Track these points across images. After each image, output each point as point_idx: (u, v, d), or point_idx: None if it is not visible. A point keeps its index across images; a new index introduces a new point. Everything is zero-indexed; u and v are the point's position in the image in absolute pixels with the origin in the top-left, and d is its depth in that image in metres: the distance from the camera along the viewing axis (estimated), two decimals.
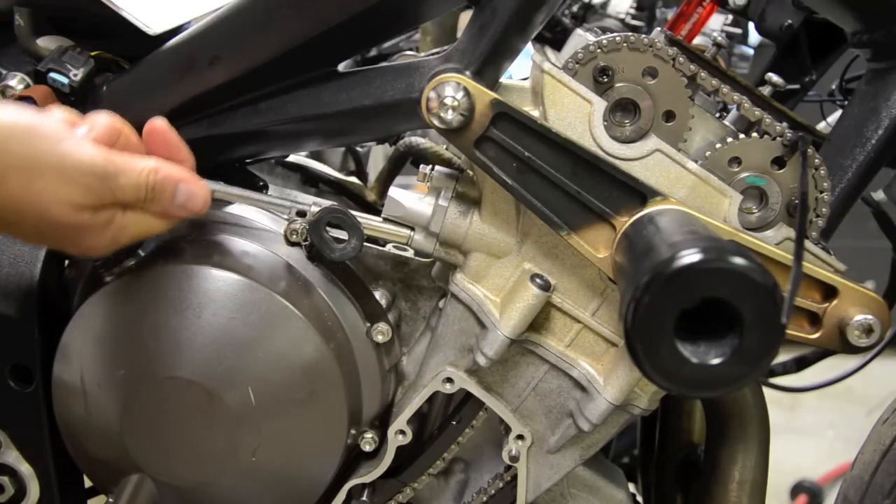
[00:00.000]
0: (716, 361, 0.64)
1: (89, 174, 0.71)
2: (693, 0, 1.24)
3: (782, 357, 1.43)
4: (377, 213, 1.14)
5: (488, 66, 0.82)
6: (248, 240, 0.90)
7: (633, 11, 1.78)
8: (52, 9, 0.93)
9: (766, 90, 0.86)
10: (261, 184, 0.97)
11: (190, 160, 0.80)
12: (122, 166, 0.73)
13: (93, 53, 0.90)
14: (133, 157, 0.75)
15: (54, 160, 0.70)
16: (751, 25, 1.37)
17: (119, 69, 0.93)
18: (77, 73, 0.89)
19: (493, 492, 0.96)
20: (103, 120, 0.76)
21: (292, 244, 0.89)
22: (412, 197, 0.87)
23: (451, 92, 0.76)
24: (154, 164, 0.76)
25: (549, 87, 0.79)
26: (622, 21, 1.75)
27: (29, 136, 0.70)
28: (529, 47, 0.88)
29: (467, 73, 0.80)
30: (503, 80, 0.85)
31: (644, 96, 0.79)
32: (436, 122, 0.77)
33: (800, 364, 1.42)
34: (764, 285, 0.62)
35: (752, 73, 1.60)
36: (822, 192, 0.80)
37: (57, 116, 0.74)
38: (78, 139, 0.72)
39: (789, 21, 1.09)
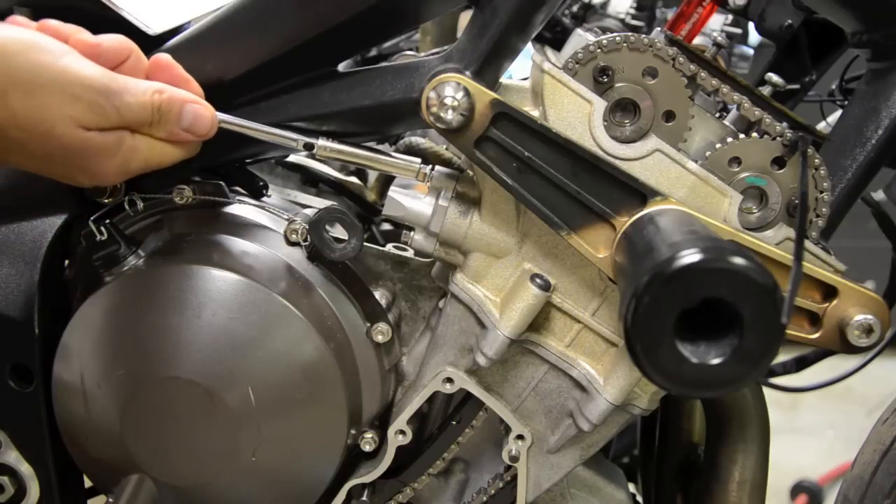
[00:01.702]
0: (716, 361, 0.64)
1: (92, 90, 0.70)
2: (693, 0, 1.24)
3: (782, 357, 1.43)
4: (377, 213, 1.14)
5: (488, 66, 0.82)
6: (248, 240, 0.90)
7: (633, 11, 1.78)
8: (53, 9, 0.93)
9: (766, 90, 0.86)
10: (261, 184, 0.98)
11: (199, 92, 0.80)
12: (125, 84, 0.73)
13: None
14: (137, 79, 0.75)
15: (56, 74, 0.69)
16: (751, 25, 1.37)
17: None
18: None
19: (493, 492, 0.96)
20: (115, 37, 0.76)
21: (292, 244, 0.89)
22: (412, 197, 0.87)
23: (451, 92, 0.76)
24: (159, 85, 0.75)
25: (549, 87, 0.79)
26: (622, 21, 1.76)
27: (30, 50, 0.69)
28: (529, 47, 0.88)
29: (467, 73, 0.80)
30: (503, 80, 0.85)
31: (644, 96, 0.79)
32: (436, 122, 0.77)
33: (800, 364, 1.42)
34: (764, 285, 0.62)
35: (752, 73, 1.60)
36: (822, 192, 0.80)
37: (71, 30, 0.74)
38: (79, 56, 0.72)
39: (789, 21, 1.09)
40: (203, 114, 0.78)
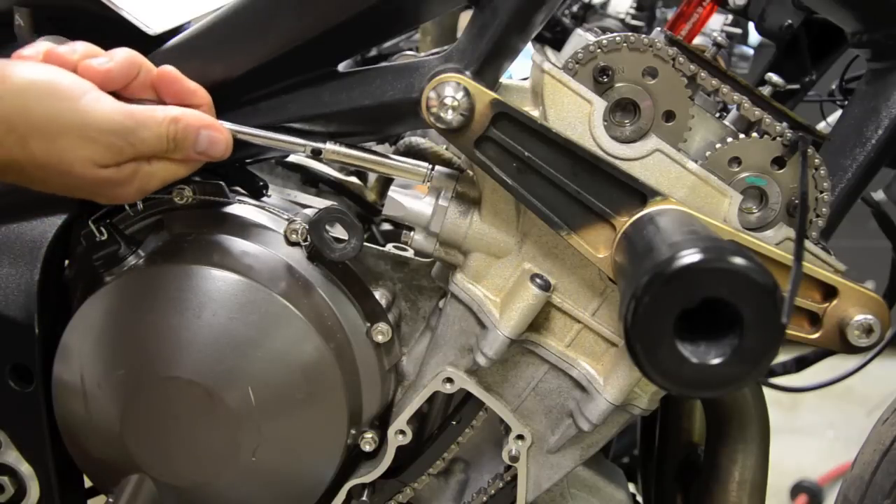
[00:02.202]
0: (716, 361, 0.64)
1: (109, 132, 0.72)
2: (693, 0, 1.24)
3: (782, 357, 1.43)
4: (377, 212, 1.14)
5: (488, 66, 0.82)
6: (248, 240, 0.90)
7: (633, 11, 1.78)
8: (52, 9, 0.93)
9: (766, 90, 0.86)
10: (261, 184, 0.97)
11: (206, 101, 0.81)
12: (141, 119, 0.74)
13: None
14: (153, 107, 0.76)
15: (75, 120, 0.70)
16: (751, 25, 1.37)
17: None
18: None
19: (493, 492, 0.96)
20: (123, 53, 0.76)
21: (292, 244, 0.89)
22: (412, 197, 0.87)
23: (451, 92, 0.76)
24: (174, 114, 0.76)
25: (549, 87, 0.79)
26: (622, 21, 1.75)
27: (48, 96, 0.70)
28: (529, 47, 0.88)
29: (467, 73, 0.80)
30: (503, 80, 0.85)
31: (644, 96, 0.79)
32: (436, 122, 0.77)
33: (800, 364, 1.41)
34: (764, 285, 0.62)
35: (752, 73, 1.60)
36: (822, 192, 0.80)
37: (80, 51, 0.75)
38: (97, 95, 0.73)
39: (789, 21, 1.09)
40: (218, 139, 0.79)
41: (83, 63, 0.75)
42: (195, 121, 0.77)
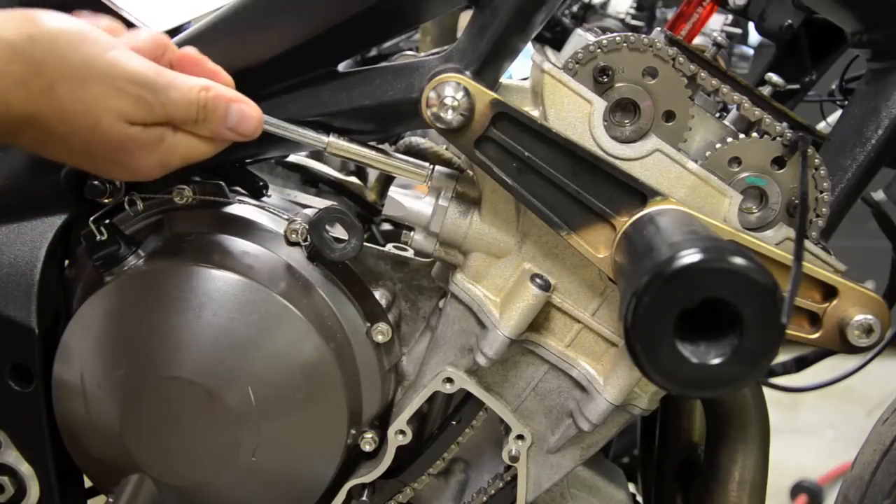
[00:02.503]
0: (716, 361, 0.64)
1: (139, 84, 0.69)
2: (693, 0, 1.24)
3: (782, 357, 1.43)
4: (377, 213, 1.14)
5: (488, 66, 0.82)
6: (248, 240, 0.90)
7: (633, 11, 1.78)
8: (53, 9, 0.93)
9: (766, 90, 0.86)
10: (261, 184, 0.97)
11: (229, 83, 0.78)
12: (172, 80, 0.72)
13: None
14: (183, 74, 0.74)
15: (104, 67, 0.68)
16: (751, 25, 1.37)
17: None
18: None
19: (493, 492, 0.96)
20: (149, 31, 0.75)
21: (292, 244, 0.89)
22: (412, 197, 0.87)
23: (451, 92, 0.76)
24: (206, 82, 0.74)
25: (549, 87, 0.79)
26: (622, 21, 1.75)
27: (79, 42, 0.68)
28: (529, 47, 0.88)
29: (467, 73, 0.80)
30: (503, 80, 0.85)
31: (644, 96, 0.79)
32: (436, 122, 0.77)
33: (800, 364, 1.41)
34: (764, 285, 0.62)
35: (752, 73, 1.60)
36: (822, 192, 0.80)
37: (104, 24, 0.73)
38: (127, 50, 0.71)
39: (789, 21, 1.09)
40: (249, 114, 0.76)
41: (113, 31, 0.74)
42: (226, 92, 0.75)
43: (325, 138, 0.84)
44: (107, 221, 0.88)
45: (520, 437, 0.90)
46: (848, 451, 1.18)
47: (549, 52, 0.86)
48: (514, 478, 0.92)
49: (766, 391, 1.06)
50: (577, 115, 0.79)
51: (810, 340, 0.78)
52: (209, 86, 0.74)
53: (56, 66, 0.67)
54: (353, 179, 1.17)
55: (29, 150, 0.73)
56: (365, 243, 0.89)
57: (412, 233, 0.88)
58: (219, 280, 0.85)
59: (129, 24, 0.87)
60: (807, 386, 1.50)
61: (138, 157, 0.73)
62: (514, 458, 0.91)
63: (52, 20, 0.68)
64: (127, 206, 0.91)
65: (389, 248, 0.96)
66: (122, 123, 0.70)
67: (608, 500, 1.02)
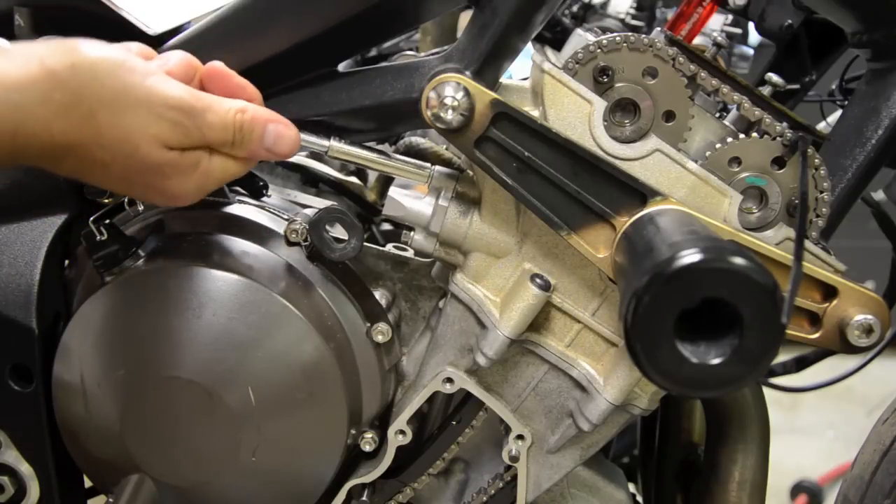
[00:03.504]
0: (716, 361, 0.64)
1: (177, 109, 0.70)
2: (693, 0, 1.24)
3: (782, 357, 1.43)
4: (377, 212, 1.14)
5: (488, 66, 0.82)
6: (248, 240, 0.90)
7: (633, 11, 1.77)
8: (53, 9, 0.93)
9: (766, 90, 0.86)
10: (261, 184, 0.98)
11: (257, 97, 0.78)
12: (208, 103, 0.73)
13: None
14: (219, 97, 0.74)
15: (143, 94, 0.69)
16: (751, 25, 1.37)
17: None
18: None
19: (493, 492, 0.96)
20: (179, 55, 0.75)
21: (292, 244, 0.89)
22: (412, 197, 0.87)
23: (451, 92, 0.76)
24: (242, 104, 0.75)
25: (549, 87, 0.79)
26: (622, 21, 1.75)
27: (119, 69, 0.69)
28: (529, 47, 0.88)
29: (467, 73, 0.80)
30: (503, 80, 0.85)
31: (644, 96, 0.79)
32: (436, 122, 0.77)
33: (800, 364, 1.42)
34: (764, 285, 0.62)
35: (752, 73, 1.60)
36: (822, 192, 0.80)
37: (135, 49, 0.74)
38: (164, 76, 0.72)
39: (789, 21, 1.09)
40: (286, 133, 0.76)
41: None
42: (263, 113, 0.76)
43: (326, 142, 0.84)
44: (107, 221, 0.88)
45: (520, 437, 0.90)
46: (848, 451, 1.18)
47: (549, 52, 0.86)
48: (514, 478, 0.92)
49: (766, 391, 1.06)
50: (577, 115, 0.79)
51: (810, 340, 0.78)
52: (245, 108, 0.75)
53: (97, 94, 0.68)
54: (353, 179, 1.17)
55: (70, 178, 0.74)
56: (365, 243, 0.89)
57: (412, 233, 0.88)
58: (219, 280, 0.85)
59: (129, 25, 0.88)
60: (807, 386, 1.50)
61: (176, 181, 0.73)
62: (514, 458, 0.91)
63: (92, 49, 0.69)
64: (127, 206, 0.91)
65: (389, 248, 0.96)
66: (160, 149, 0.71)
67: (608, 500, 1.02)
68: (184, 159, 0.72)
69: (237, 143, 0.74)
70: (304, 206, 1.00)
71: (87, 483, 0.99)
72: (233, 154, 0.75)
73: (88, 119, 0.68)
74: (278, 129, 0.76)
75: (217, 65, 0.78)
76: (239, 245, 0.89)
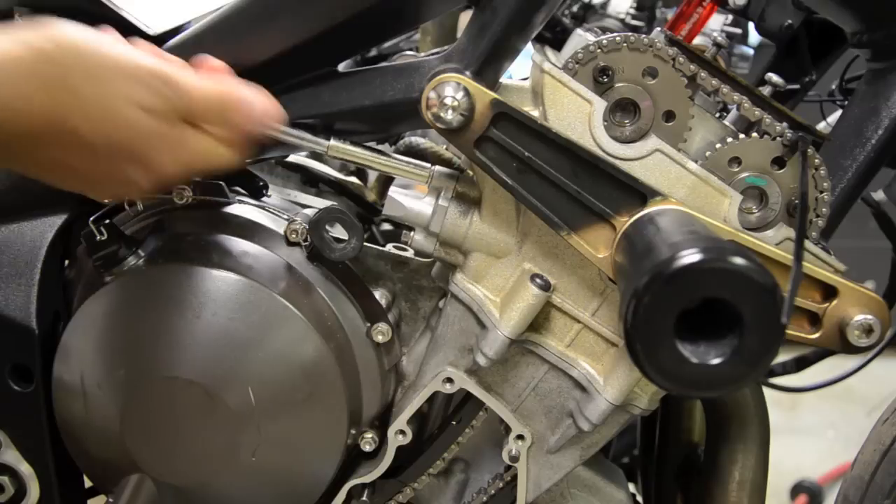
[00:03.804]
0: (716, 361, 0.64)
1: (154, 75, 0.72)
2: (693, 0, 1.24)
3: (782, 357, 1.43)
4: (377, 213, 1.14)
5: (488, 66, 0.82)
6: (248, 240, 0.90)
7: (633, 11, 1.77)
8: (53, 8, 0.93)
9: (766, 90, 0.86)
10: (261, 184, 0.97)
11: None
12: (185, 75, 0.74)
13: None
14: (200, 73, 0.76)
15: (123, 63, 0.71)
16: (751, 25, 1.37)
17: None
18: None
19: (493, 492, 0.96)
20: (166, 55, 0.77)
21: (292, 244, 0.89)
22: (412, 197, 0.87)
23: (451, 92, 0.76)
24: (221, 77, 0.76)
25: (549, 87, 0.79)
26: (622, 21, 1.75)
27: (98, 45, 0.71)
28: (529, 47, 0.88)
29: (467, 73, 0.80)
30: (503, 80, 0.85)
31: (644, 96, 0.79)
32: (436, 122, 0.77)
33: (800, 364, 1.42)
34: (764, 285, 0.62)
35: (752, 73, 1.59)
36: (822, 192, 0.80)
37: (143, 48, 0.75)
38: (144, 51, 0.74)
39: (789, 21, 1.09)
40: (268, 108, 0.77)
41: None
42: (242, 90, 0.76)
43: (325, 142, 0.84)
44: (107, 221, 0.88)
45: (520, 437, 0.90)
46: (848, 451, 1.18)
47: (549, 52, 0.86)
48: (514, 478, 0.92)
49: (766, 391, 1.06)
50: (577, 115, 0.79)
51: (810, 340, 0.78)
52: (224, 79, 0.76)
53: (81, 66, 0.70)
54: (353, 179, 1.17)
55: (49, 176, 0.74)
56: (365, 243, 0.89)
57: (412, 233, 0.88)
58: (219, 280, 0.85)
59: (130, 25, 0.88)
60: (807, 386, 1.50)
61: (157, 152, 0.73)
62: (514, 458, 0.91)
63: (73, 28, 0.71)
64: (127, 206, 0.91)
65: (389, 248, 0.96)
66: (140, 112, 0.71)
67: (608, 500, 1.02)
68: (165, 128, 0.73)
69: (218, 119, 0.75)
70: (304, 206, 1.00)
71: (88, 483, 0.99)
72: (216, 133, 0.75)
73: (72, 92, 0.69)
74: (261, 104, 0.77)
75: (215, 62, 0.79)
76: (239, 245, 0.89)
